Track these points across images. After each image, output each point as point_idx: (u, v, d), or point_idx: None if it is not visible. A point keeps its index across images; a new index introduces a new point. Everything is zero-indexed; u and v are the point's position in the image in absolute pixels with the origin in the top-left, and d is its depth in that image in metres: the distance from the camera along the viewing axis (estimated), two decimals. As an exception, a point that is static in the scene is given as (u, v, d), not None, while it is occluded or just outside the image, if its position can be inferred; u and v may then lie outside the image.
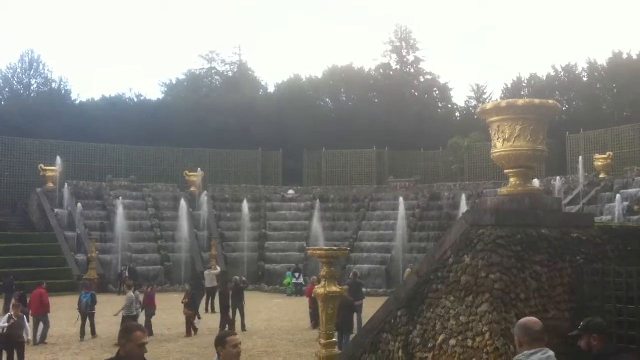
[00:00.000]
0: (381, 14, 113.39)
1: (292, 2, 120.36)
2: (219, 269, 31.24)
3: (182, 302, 22.13)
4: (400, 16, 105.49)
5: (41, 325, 19.55)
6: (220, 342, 5.82)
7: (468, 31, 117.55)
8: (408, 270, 33.31)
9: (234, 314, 22.12)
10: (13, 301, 17.87)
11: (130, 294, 19.68)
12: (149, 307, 21.28)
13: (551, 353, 5.23)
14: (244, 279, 27.37)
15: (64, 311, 25.15)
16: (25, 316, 15.90)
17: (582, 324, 6.30)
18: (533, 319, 5.54)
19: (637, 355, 5.62)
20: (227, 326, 20.56)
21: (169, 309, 27.54)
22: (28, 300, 20.36)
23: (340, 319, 17.36)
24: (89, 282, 26.05)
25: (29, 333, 16.03)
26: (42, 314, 19.56)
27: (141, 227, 43.09)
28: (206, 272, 30.29)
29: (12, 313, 15.17)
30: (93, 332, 20.58)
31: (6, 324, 14.91)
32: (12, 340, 14.76)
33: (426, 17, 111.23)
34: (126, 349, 5.10)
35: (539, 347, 5.15)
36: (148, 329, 20.41)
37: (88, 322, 20.55)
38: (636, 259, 10.12)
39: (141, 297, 21.64)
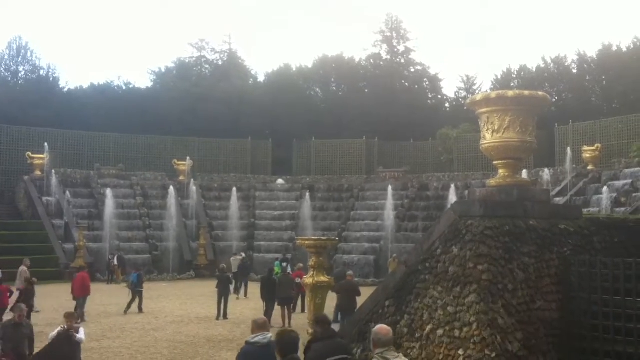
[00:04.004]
0: (376, 14, 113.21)
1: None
2: (243, 254, 34.89)
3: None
4: (394, 12, 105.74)
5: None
6: None
7: (459, 22, 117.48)
8: (390, 260, 33.43)
9: (220, 302, 22.11)
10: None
11: None
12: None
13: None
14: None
15: (52, 299, 24.98)
16: (81, 328, 11.30)
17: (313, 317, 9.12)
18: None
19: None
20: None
21: (157, 298, 27.49)
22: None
23: (344, 301, 17.49)
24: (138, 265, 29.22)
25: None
26: (82, 296, 20.95)
27: (129, 215, 42.86)
28: (232, 259, 32.71)
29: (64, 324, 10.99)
30: (139, 309, 22.70)
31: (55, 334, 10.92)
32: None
33: (416, 8, 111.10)
34: None
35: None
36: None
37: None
38: (623, 251, 10.18)
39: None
